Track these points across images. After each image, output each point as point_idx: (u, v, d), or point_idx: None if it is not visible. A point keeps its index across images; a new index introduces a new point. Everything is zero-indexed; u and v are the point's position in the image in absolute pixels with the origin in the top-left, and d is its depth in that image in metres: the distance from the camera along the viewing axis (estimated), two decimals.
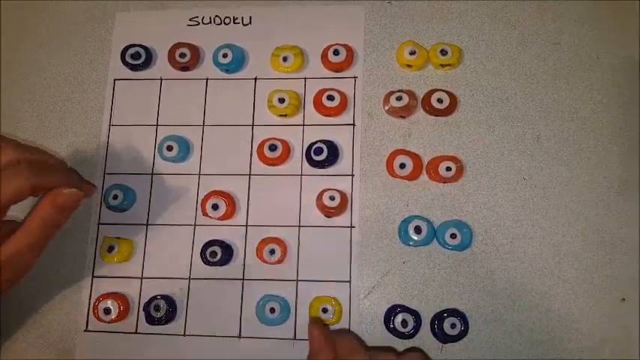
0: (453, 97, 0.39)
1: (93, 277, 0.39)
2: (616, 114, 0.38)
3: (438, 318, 0.35)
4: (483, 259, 0.37)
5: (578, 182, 0.38)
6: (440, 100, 0.39)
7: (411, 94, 0.39)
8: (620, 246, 0.36)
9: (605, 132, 0.38)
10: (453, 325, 0.35)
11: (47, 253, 0.39)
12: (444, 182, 0.38)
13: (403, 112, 0.39)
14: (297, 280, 0.38)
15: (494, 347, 0.35)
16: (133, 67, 0.42)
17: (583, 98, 0.39)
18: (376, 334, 0.36)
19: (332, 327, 0.36)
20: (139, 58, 0.42)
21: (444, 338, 0.35)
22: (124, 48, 0.42)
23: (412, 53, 0.40)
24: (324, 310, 0.36)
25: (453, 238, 0.36)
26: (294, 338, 0.37)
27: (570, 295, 0.36)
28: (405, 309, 0.36)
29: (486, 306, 0.36)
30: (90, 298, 0.39)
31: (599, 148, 0.38)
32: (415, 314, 0.36)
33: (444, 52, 0.39)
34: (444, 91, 0.39)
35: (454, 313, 0.35)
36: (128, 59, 0.42)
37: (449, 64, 0.40)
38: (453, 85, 0.40)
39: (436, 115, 0.39)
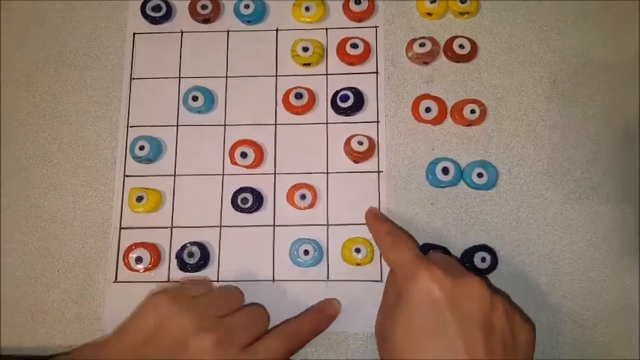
0: (473, 44, 0.40)
1: (121, 228, 0.39)
2: (627, 56, 0.40)
3: (468, 253, 0.37)
4: (509, 197, 0.38)
5: (593, 121, 0.39)
6: (462, 46, 0.40)
7: (434, 41, 0.40)
8: (636, 181, 0.38)
9: (617, 73, 0.40)
10: (483, 259, 0.36)
11: (72, 206, 0.39)
12: (469, 125, 0.39)
13: (426, 58, 0.40)
14: (328, 225, 0.38)
15: (522, 278, 0.37)
16: (154, 20, 0.42)
17: (595, 42, 0.40)
18: None
19: (364, 267, 0.37)
20: (159, 11, 0.41)
21: (475, 272, 0.36)
22: (144, 1, 0.42)
23: (433, 1, 0.40)
24: (357, 250, 0.37)
25: (479, 177, 0.38)
26: (328, 279, 0.37)
27: (591, 226, 0.37)
28: (435, 247, 0.37)
29: (513, 241, 0.37)
30: (118, 249, 0.39)
31: (612, 89, 0.40)
32: (445, 251, 0.37)
33: (462, 0, 0.40)
34: (465, 37, 0.40)
35: (483, 248, 0.37)
36: (149, 12, 0.41)
37: (467, 12, 0.41)
38: (473, 32, 0.41)
39: (457, 61, 0.40)
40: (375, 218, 0.37)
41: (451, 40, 0.40)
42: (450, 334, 0.28)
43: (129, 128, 0.41)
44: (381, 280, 0.37)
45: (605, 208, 0.38)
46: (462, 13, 0.41)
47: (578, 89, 0.40)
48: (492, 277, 0.37)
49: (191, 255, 0.37)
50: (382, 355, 0.32)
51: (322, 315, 0.36)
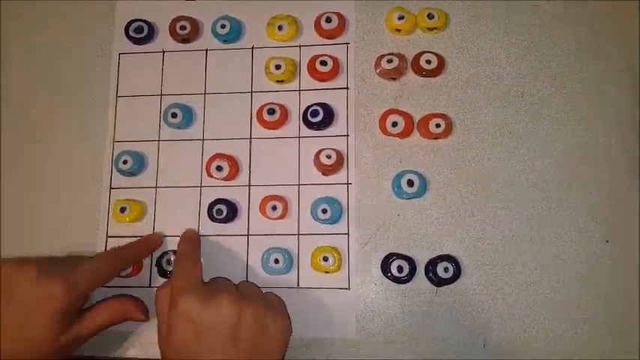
0: (440, 59, 0.41)
1: (107, 237, 0.42)
2: (593, 66, 0.41)
3: (432, 263, 0.38)
4: (474, 208, 0.39)
5: (561, 133, 0.40)
6: (428, 62, 0.41)
7: (401, 57, 0.41)
8: (603, 192, 0.39)
9: (583, 84, 0.40)
10: (446, 269, 0.38)
11: (60, 219, 0.42)
12: (435, 138, 0.40)
13: (394, 74, 0.41)
14: (299, 235, 0.40)
15: (485, 290, 0.38)
16: (137, 41, 0.44)
17: (562, 54, 0.41)
18: (374, 280, 0.39)
19: (332, 275, 0.39)
20: (141, 32, 0.44)
21: (437, 281, 0.38)
22: (128, 23, 0.44)
23: (401, 18, 0.42)
24: (325, 259, 0.39)
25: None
26: (298, 286, 0.39)
27: (557, 240, 0.38)
28: (401, 256, 0.38)
29: (477, 251, 0.38)
30: None
31: (578, 100, 0.40)
32: (410, 260, 0.38)
33: (430, 16, 0.42)
34: (432, 52, 0.41)
35: (447, 258, 0.38)
36: (132, 33, 0.44)
37: (436, 28, 0.42)
38: (441, 47, 0.42)
39: (425, 76, 0.41)
40: (184, 240, 0.40)
41: (418, 55, 0.41)
42: (206, 351, 0.33)
43: (114, 143, 0.43)
44: (349, 288, 0.39)
45: (570, 220, 0.38)
46: (430, 29, 0.42)
47: (546, 101, 0.41)
48: (455, 287, 0.38)
49: (170, 262, 0.40)
50: None
51: (144, 244, 0.40)
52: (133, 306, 0.38)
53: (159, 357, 0.38)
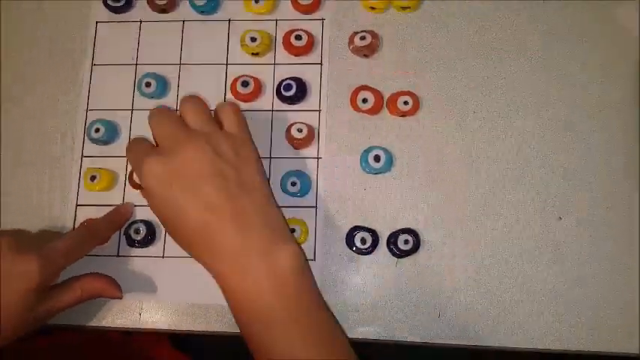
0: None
1: (77, 205, 0.42)
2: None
3: (394, 236, 0.39)
4: (435, 185, 0.40)
5: (520, 116, 0.41)
6: None
7: (374, 35, 0.42)
8: (558, 168, 0.40)
9: (554, 62, 0.41)
10: (406, 242, 0.39)
11: (32, 185, 0.42)
12: (402, 116, 0.41)
13: (366, 51, 0.42)
14: None
15: (443, 262, 0.39)
16: (115, 10, 0.44)
17: (533, 33, 0.42)
18: (339, 252, 0.40)
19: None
20: (120, 0, 0.44)
21: (398, 253, 0.39)
22: None
23: None
24: (292, 231, 0.40)
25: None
26: None
27: (513, 214, 0.39)
28: (364, 229, 0.39)
29: (437, 225, 0.40)
30: (74, 226, 0.42)
31: (542, 84, 0.41)
32: (373, 233, 0.39)
33: None
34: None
35: (408, 231, 0.39)
36: (109, 1, 0.44)
37: (409, 7, 0.42)
38: (412, 26, 0.43)
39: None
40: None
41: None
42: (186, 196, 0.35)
43: (88, 112, 0.43)
44: (314, 259, 0.40)
45: (527, 196, 0.40)
46: (403, 8, 0.43)
47: (509, 83, 0.41)
48: (414, 259, 0.39)
49: (137, 232, 0.40)
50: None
51: (116, 216, 0.41)
52: (107, 283, 0.38)
53: (127, 326, 0.39)
